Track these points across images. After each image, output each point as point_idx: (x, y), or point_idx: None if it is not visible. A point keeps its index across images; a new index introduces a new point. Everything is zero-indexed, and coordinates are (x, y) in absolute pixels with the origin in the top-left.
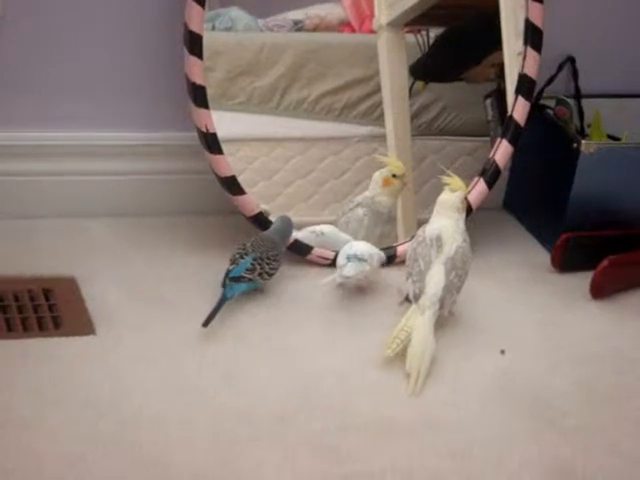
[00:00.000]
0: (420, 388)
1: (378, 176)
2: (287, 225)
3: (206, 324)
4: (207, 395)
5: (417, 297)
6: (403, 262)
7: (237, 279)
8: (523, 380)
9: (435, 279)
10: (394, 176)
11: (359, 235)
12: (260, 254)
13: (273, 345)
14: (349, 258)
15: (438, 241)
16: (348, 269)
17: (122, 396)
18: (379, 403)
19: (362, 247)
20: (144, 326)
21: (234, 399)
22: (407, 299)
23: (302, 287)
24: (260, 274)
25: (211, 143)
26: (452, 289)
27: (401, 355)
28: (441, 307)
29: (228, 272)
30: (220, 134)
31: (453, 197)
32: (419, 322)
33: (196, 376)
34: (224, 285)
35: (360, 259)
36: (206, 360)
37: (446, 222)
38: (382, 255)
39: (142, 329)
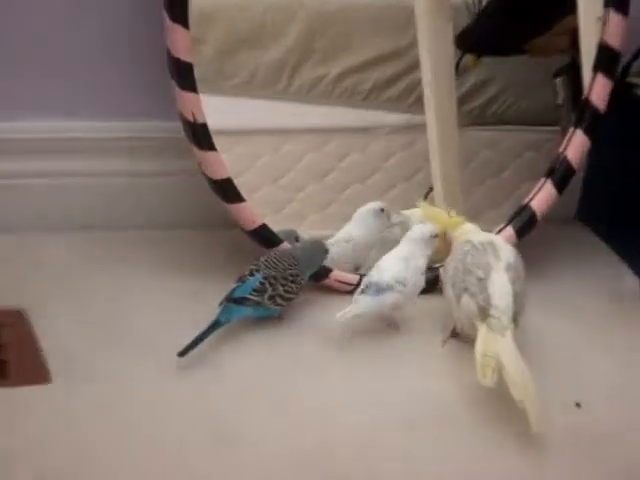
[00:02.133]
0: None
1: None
2: (318, 248)
3: (183, 353)
4: (188, 460)
5: (485, 310)
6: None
7: (239, 300)
8: (602, 439)
9: (502, 289)
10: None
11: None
12: (274, 272)
13: (278, 395)
14: (367, 287)
15: (491, 246)
16: (358, 305)
17: (82, 458)
18: (412, 473)
19: (391, 270)
20: (111, 371)
21: (224, 468)
22: (455, 334)
23: (316, 320)
24: (271, 297)
25: (200, 137)
26: (521, 301)
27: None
28: (517, 324)
29: (231, 291)
30: (212, 125)
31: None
32: (503, 345)
33: (174, 435)
34: (222, 307)
35: (381, 289)
36: (188, 414)
37: (487, 233)
38: (421, 280)
39: (108, 375)
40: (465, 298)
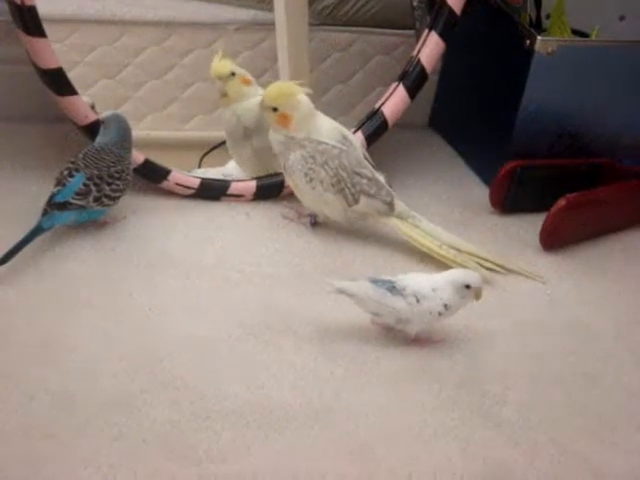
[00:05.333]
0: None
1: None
2: (125, 127)
3: (3, 261)
4: (9, 371)
5: (391, 205)
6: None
7: (62, 206)
8: (447, 358)
9: (382, 179)
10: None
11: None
12: (97, 171)
13: (111, 304)
14: (382, 282)
15: (346, 139)
16: (358, 287)
17: None
18: (256, 385)
19: (416, 283)
20: None
21: (49, 378)
22: (316, 222)
23: (154, 225)
24: (97, 199)
25: (29, 21)
26: None
27: None
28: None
29: (52, 196)
30: (42, 10)
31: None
32: (426, 229)
33: None
34: (44, 214)
35: (396, 291)
36: (11, 320)
37: (324, 117)
38: (430, 319)
39: None
40: (365, 200)
